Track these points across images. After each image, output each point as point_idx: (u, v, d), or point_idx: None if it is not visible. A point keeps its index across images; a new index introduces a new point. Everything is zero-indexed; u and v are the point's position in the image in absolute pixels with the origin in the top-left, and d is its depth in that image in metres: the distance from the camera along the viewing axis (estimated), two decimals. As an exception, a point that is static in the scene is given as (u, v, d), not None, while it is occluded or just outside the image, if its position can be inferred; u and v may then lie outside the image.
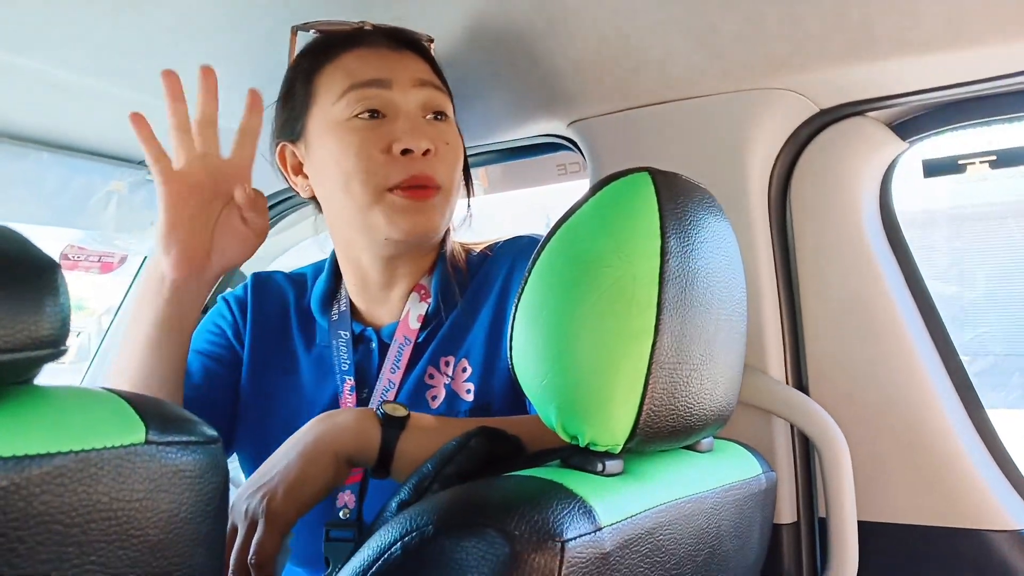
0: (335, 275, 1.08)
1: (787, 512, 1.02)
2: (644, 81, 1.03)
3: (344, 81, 0.94)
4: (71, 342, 0.47)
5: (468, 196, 1.06)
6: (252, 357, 1.07)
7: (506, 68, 1.09)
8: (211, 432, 0.50)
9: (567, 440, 0.66)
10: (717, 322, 0.69)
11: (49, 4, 0.91)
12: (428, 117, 0.96)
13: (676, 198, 0.66)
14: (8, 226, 0.46)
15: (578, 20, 0.99)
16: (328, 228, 1.04)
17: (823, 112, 1.00)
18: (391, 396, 0.97)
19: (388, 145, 0.92)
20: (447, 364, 0.98)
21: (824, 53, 0.91)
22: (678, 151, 1.05)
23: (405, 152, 0.92)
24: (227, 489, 0.51)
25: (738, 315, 0.73)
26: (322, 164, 0.96)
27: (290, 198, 1.60)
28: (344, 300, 1.05)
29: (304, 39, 1.02)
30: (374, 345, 1.02)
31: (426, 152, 0.92)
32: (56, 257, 1.26)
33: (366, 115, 0.93)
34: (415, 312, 1.00)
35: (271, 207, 1.62)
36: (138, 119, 0.93)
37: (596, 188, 0.68)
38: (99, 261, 1.60)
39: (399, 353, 0.99)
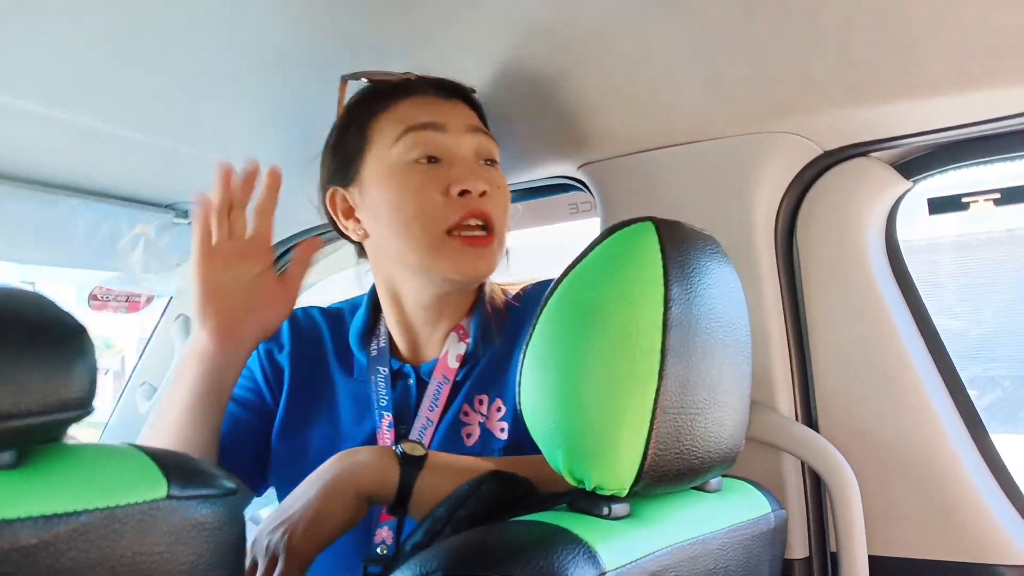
0: (374, 311, 1.10)
1: (799, 547, 1.02)
2: (652, 125, 1.05)
3: (400, 125, 0.98)
4: (100, 379, 0.50)
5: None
6: (290, 395, 1.09)
7: (519, 113, 1.12)
8: (230, 484, 0.52)
9: (574, 484, 0.68)
10: (721, 366, 0.70)
11: (79, 56, 0.95)
12: (481, 162, 1.00)
13: (679, 246, 0.68)
14: (39, 292, 0.49)
15: (588, 68, 1.02)
16: (373, 267, 1.07)
17: (827, 153, 1.02)
18: (429, 433, 0.99)
19: (446, 187, 0.95)
20: (480, 403, 1.00)
21: (828, 97, 0.92)
22: (686, 193, 1.07)
23: (463, 193, 0.95)
24: (244, 539, 0.53)
25: (742, 358, 0.74)
26: (379, 208, 0.99)
27: (324, 233, 1.63)
28: (383, 336, 1.07)
29: (352, 88, 1.06)
30: (412, 382, 1.04)
31: (483, 193, 0.96)
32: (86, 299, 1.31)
33: (424, 160, 0.97)
34: (454, 352, 1.02)
35: (293, 246, 1.66)
36: (203, 201, 0.97)
37: (601, 237, 0.70)
38: (127, 301, 1.64)
39: (438, 391, 1.01)
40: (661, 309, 0.65)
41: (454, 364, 1.02)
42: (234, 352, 0.96)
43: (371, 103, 1.02)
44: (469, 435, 0.99)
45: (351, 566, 0.93)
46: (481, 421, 0.99)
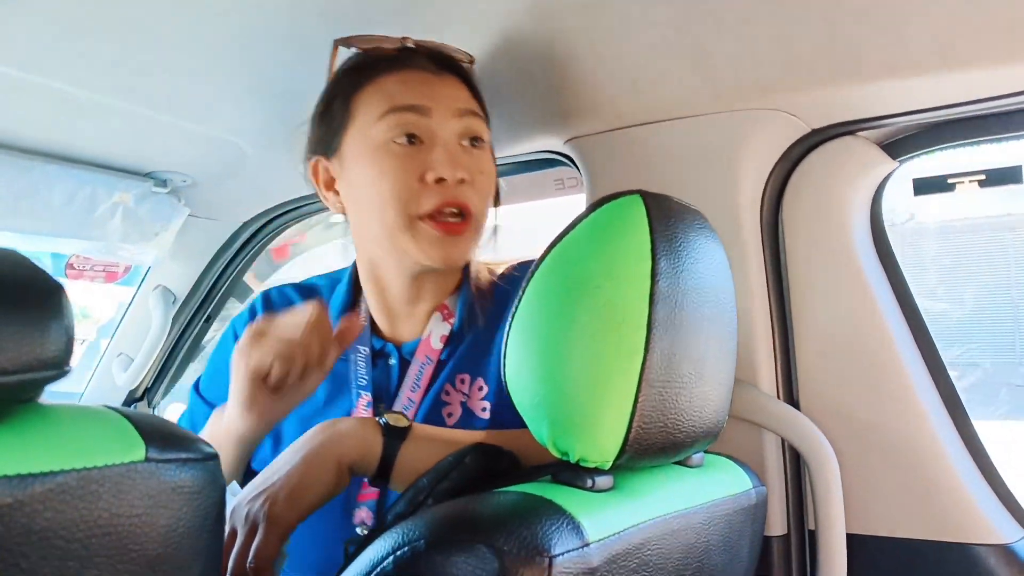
0: (354, 288, 1.08)
1: (778, 524, 1.03)
2: (638, 101, 1.04)
3: (384, 103, 0.95)
4: (76, 349, 0.49)
5: (495, 218, 1.07)
6: None
7: (505, 87, 1.11)
8: (209, 449, 0.52)
9: (558, 456, 0.68)
10: (707, 341, 0.70)
11: (57, 22, 0.93)
12: (464, 143, 0.97)
13: (667, 220, 0.68)
14: (13, 248, 0.48)
15: (574, 41, 1.01)
16: (355, 241, 1.05)
17: (814, 132, 1.02)
18: (410, 414, 0.98)
19: (423, 173, 0.93)
20: (463, 382, 0.99)
21: (814, 75, 0.92)
22: (672, 169, 1.07)
23: (439, 181, 0.93)
24: (224, 504, 0.53)
25: (728, 334, 0.74)
26: (356, 184, 0.97)
27: (292, 210, 1.62)
28: (364, 314, 1.06)
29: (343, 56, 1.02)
30: (393, 361, 1.03)
31: (461, 181, 0.94)
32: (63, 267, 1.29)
33: (404, 139, 0.94)
34: (438, 332, 1.01)
35: (277, 217, 1.65)
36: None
37: (589, 210, 0.69)
38: (104, 271, 1.62)
39: (420, 372, 1.00)
40: (648, 283, 0.64)
41: (438, 345, 1.01)
42: (265, 429, 0.92)
43: (359, 74, 0.98)
44: (450, 415, 0.98)
45: (331, 547, 0.92)
46: (463, 400, 0.98)
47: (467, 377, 0.99)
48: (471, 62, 1.05)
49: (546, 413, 0.66)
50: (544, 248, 0.70)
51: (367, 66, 0.98)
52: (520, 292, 0.70)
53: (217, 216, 1.62)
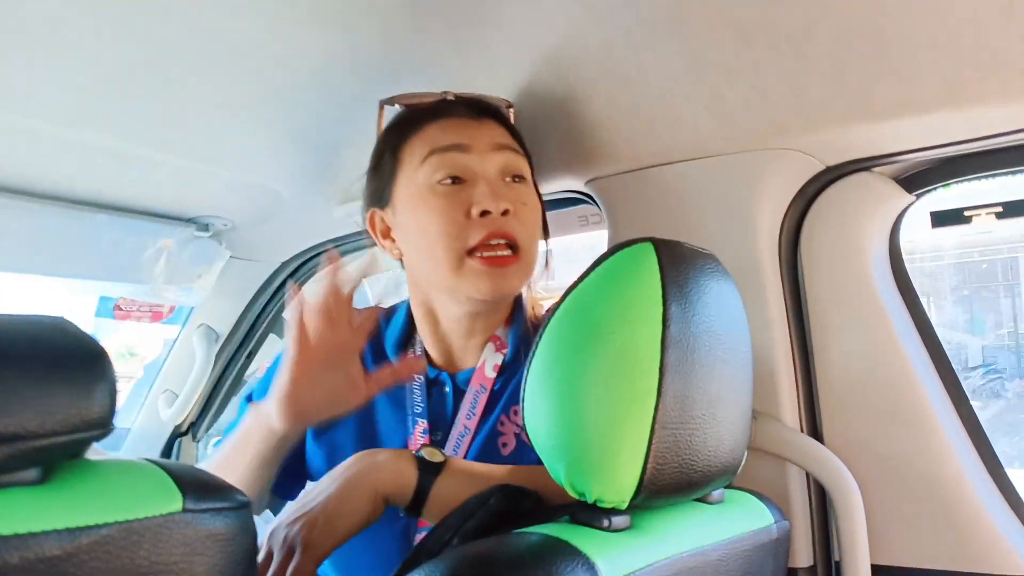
0: (409, 321, 1.12)
1: (803, 556, 1.03)
2: (654, 143, 1.07)
3: (426, 147, 0.99)
4: (123, 387, 0.53)
5: (547, 250, 1.11)
6: None
7: (528, 130, 1.14)
8: (242, 498, 0.55)
9: (575, 497, 0.70)
10: (720, 382, 0.72)
11: (103, 80, 0.99)
12: (507, 180, 1.01)
13: (678, 266, 0.70)
14: (62, 317, 0.52)
15: (593, 88, 1.04)
16: (408, 284, 1.09)
17: (829, 169, 1.03)
18: (467, 442, 1.01)
19: (468, 208, 0.96)
20: (516, 413, 1.01)
21: (826, 116, 0.94)
22: (690, 208, 1.09)
23: (484, 214, 0.96)
24: (255, 549, 0.56)
25: (742, 374, 0.76)
26: (407, 228, 1.02)
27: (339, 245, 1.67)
28: (419, 346, 1.09)
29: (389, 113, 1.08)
30: (448, 389, 1.06)
31: (505, 212, 0.97)
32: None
33: (448, 181, 0.98)
34: (491, 362, 1.04)
35: (315, 256, 1.70)
36: (299, 299, 0.93)
37: (602, 258, 0.72)
38: (150, 311, 1.69)
39: (475, 400, 1.03)
40: (660, 328, 0.67)
41: (491, 374, 1.03)
42: (302, 428, 0.96)
43: (403, 127, 1.04)
44: (504, 444, 1.01)
45: (390, 570, 0.96)
46: (516, 432, 1.01)
47: (520, 408, 1.01)
48: (509, 107, 1.09)
49: (563, 455, 0.69)
50: (561, 294, 0.73)
51: (411, 119, 1.04)
52: (538, 337, 0.72)
53: (257, 257, 1.68)
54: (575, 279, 0.73)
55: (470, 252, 0.97)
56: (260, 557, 0.83)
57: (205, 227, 1.51)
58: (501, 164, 1.01)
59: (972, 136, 0.92)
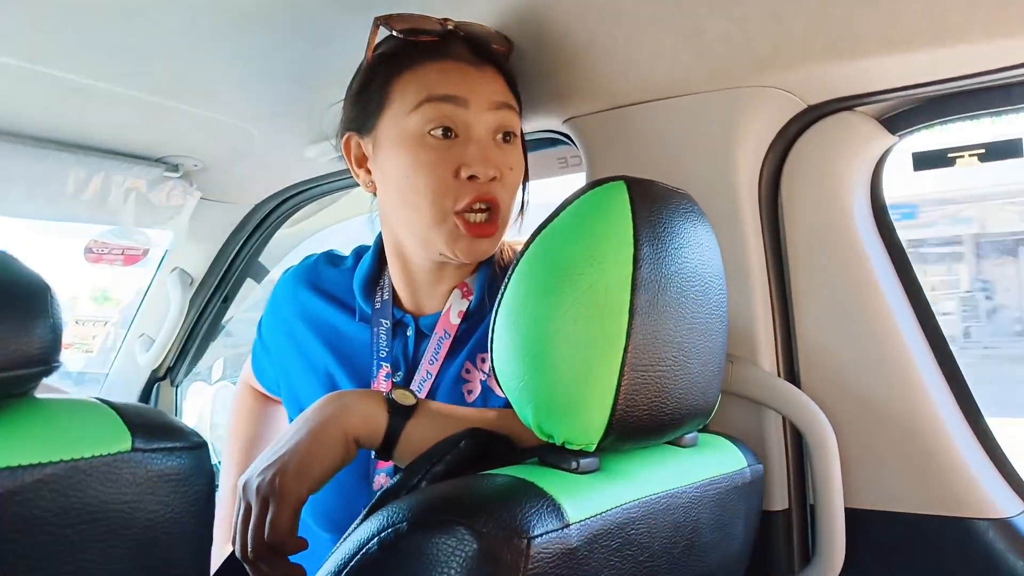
0: (379, 260, 1.11)
1: (779, 500, 1.04)
2: (632, 80, 1.04)
3: (422, 91, 0.96)
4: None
5: (523, 196, 1.10)
6: (296, 349, 1.13)
7: (503, 67, 1.11)
8: (197, 438, 0.54)
9: (543, 439, 0.69)
10: (691, 325, 0.71)
11: (62, 10, 0.95)
12: (498, 139, 0.99)
13: (651, 206, 0.68)
14: (3, 251, 0.50)
15: (569, 22, 1.01)
16: (381, 219, 1.08)
17: (811, 108, 1.01)
18: (428, 386, 1.01)
19: (457, 169, 0.95)
20: (483, 360, 1.01)
21: (808, 51, 0.91)
22: (669, 148, 1.07)
23: (472, 178, 0.95)
24: (212, 490, 0.55)
25: (716, 317, 0.75)
26: (389, 171, 0.99)
27: (304, 191, 1.65)
28: (387, 288, 1.09)
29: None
30: (410, 332, 1.06)
31: (493, 179, 0.96)
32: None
33: (439, 132, 0.95)
34: (456, 308, 1.03)
35: (289, 198, 1.67)
36: None
37: (573, 197, 0.70)
38: (123, 254, 1.66)
39: (438, 346, 1.02)
40: (630, 269, 0.65)
41: (456, 320, 1.03)
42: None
43: (398, 59, 0.99)
44: (470, 391, 1.00)
45: (352, 510, 0.95)
46: (482, 379, 1.00)
47: (487, 356, 1.01)
48: (510, 49, 1.06)
49: (531, 397, 0.68)
50: (530, 234, 0.71)
51: (406, 51, 0.99)
52: (506, 278, 0.71)
53: (229, 199, 1.65)
54: (545, 218, 0.71)
55: (455, 212, 0.96)
56: (237, 510, 0.82)
57: (175, 167, 1.47)
58: (496, 123, 0.98)
59: (958, 74, 0.90)
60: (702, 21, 0.93)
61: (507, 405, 0.96)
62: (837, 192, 1.01)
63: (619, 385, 0.65)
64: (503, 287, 0.71)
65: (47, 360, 0.47)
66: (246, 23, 1.05)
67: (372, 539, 0.60)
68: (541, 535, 0.58)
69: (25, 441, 0.46)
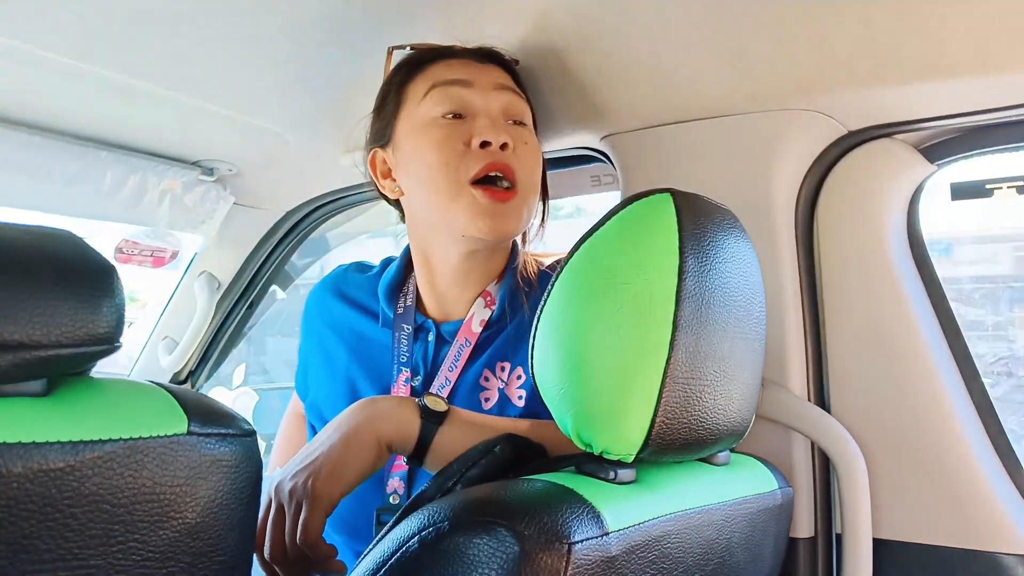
0: (406, 267, 1.13)
1: (804, 526, 1.03)
2: (674, 99, 1.05)
3: (428, 82, 1.01)
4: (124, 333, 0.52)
5: (544, 208, 1.12)
6: (323, 356, 1.15)
7: (543, 83, 1.12)
8: (248, 426, 0.54)
9: (582, 448, 0.69)
10: (733, 340, 0.71)
11: (111, 11, 0.97)
12: (508, 121, 1.02)
13: (696, 218, 0.69)
14: (71, 232, 0.51)
15: (612, 39, 1.02)
16: (408, 227, 1.10)
17: (851, 133, 1.01)
18: (446, 392, 1.01)
19: (469, 139, 0.97)
20: (503, 369, 1.02)
21: (851, 76, 0.92)
22: (707, 168, 1.08)
23: (484, 145, 0.97)
24: (260, 478, 0.55)
25: (756, 333, 0.75)
26: (408, 162, 1.02)
27: (335, 200, 1.66)
28: (411, 294, 1.10)
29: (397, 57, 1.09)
30: (431, 338, 1.06)
31: (504, 146, 0.97)
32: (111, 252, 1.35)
33: (449, 115, 0.99)
34: (479, 316, 1.04)
35: (320, 207, 1.69)
36: None
37: (619, 207, 0.71)
38: (152, 256, 1.67)
39: (459, 353, 1.03)
40: (675, 280, 0.65)
41: (477, 328, 1.04)
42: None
43: (409, 68, 1.05)
44: (487, 399, 1.01)
45: (364, 515, 0.96)
46: (500, 387, 1.01)
47: (507, 365, 1.01)
48: (515, 63, 1.09)
49: (571, 405, 0.68)
50: (574, 243, 0.72)
51: (416, 60, 1.05)
52: (550, 286, 0.71)
53: (261, 205, 1.66)
54: (590, 227, 0.71)
55: (470, 183, 0.97)
56: (268, 510, 0.82)
57: (210, 171, 1.48)
58: (503, 103, 1.02)
59: (998, 105, 0.90)
60: (746, 42, 0.94)
61: (524, 414, 0.97)
62: (873, 219, 1.01)
63: (660, 397, 0.65)
64: (546, 295, 0.71)
65: (111, 339, 0.48)
66: (288, 30, 1.07)
67: (413, 537, 0.60)
68: (582, 541, 0.58)
69: (86, 418, 0.47)
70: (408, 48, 1.06)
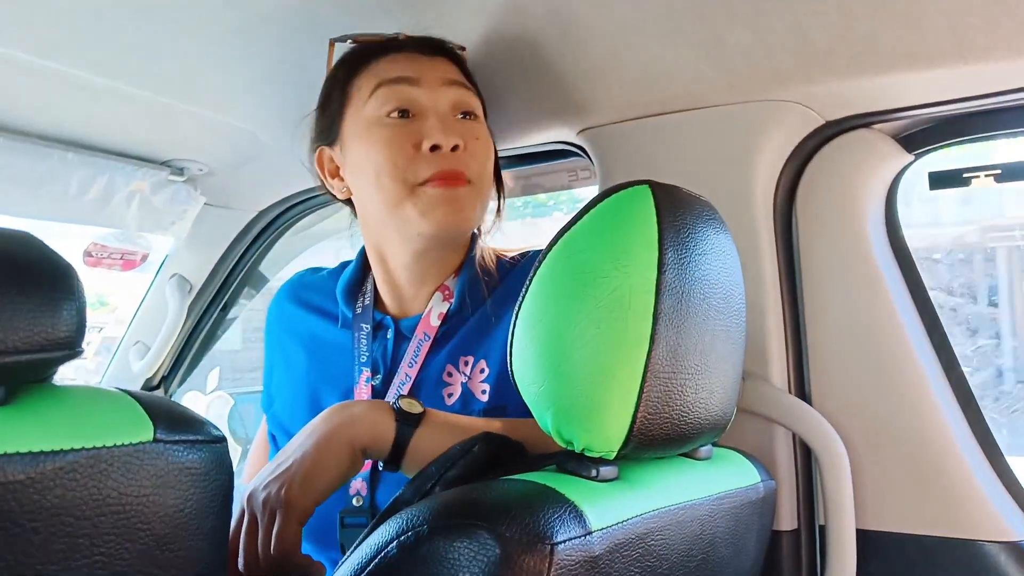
0: (363, 267, 1.11)
1: (787, 519, 1.03)
2: (652, 91, 1.04)
3: (374, 80, 0.98)
4: (93, 337, 0.50)
5: (500, 200, 1.10)
6: (285, 364, 1.13)
7: (518, 76, 1.11)
8: (217, 432, 0.53)
9: (562, 445, 0.68)
10: (713, 333, 0.70)
11: (75, 8, 0.94)
12: (458, 116, 0.99)
13: (675, 211, 0.68)
14: (28, 231, 0.49)
15: (588, 30, 1.01)
16: (362, 226, 1.08)
17: (829, 124, 1.01)
18: (406, 390, 1.00)
19: (418, 142, 0.95)
20: (466, 363, 1.00)
21: (830, 66, 0.92)
22: (685, 161, 1.07)
23: (434, 148, 0.94)
24: (231, 486, 0.53)
25: (736, 326, 0.74)
26: (356, 162, 1.00)
27: (308, 199, 1.64)
28: (369, 294, 1.09)
29: (340, 50, 1.07)
30: (390, 335, 1.05)
31: (455, 148, 0.95)
32: (79, 255, 1.31)
33: (396, 114, 0.96)
34: (437, 310, 1.03)
35: (293, 206, 1.66)
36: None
37: (597, 200, 0.69)
38: (121, 259, 1.63)
39: (418, 348, 1.02)
40: (655, 273, 0.64)
41: (436, 322, 1.02)
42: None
43: (353, 63, 1.02)
44: (450, 395, 0.99)
45: (326, 518, 0.94)
46: (463, 381, 0.99)
47: (471, 359, 1.00)
48: (462, 50, 1.07)
49: (551, 402, 0.67)
50: (552, 237, 0.70)
51: (360, 55, 1.02)
52: (527, 281, 0.70)
53: (233, 205, 1.63)
54: (567, 221, 0.70)
55: (420, 184, 0.95)
56: (241, 522, 0.80)
57: (180, 171, 1.46)
58: (452, 99, 0.99)
59: (979, 93, 0.91)
60: (724, 33, 0.93)
61: (487, 412, 0.96)
62: (852, 209, 1.01)
63: (641, 392, 0.64)
64: (524, 291, 0.70)
65: (72, 344, 0.46)
66: (260, 26, 1.05)
67: (391, 542, 0.59)
68: (564, 541, 0.57)
69: (47, 427, 0.45)
70: (350, 42, 1.03)
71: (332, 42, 1.04)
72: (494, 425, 0.86)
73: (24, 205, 1.31)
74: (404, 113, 0.97)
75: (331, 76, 1.05)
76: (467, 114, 1.00)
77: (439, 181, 0.95)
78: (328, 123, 1.04)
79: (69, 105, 1.19)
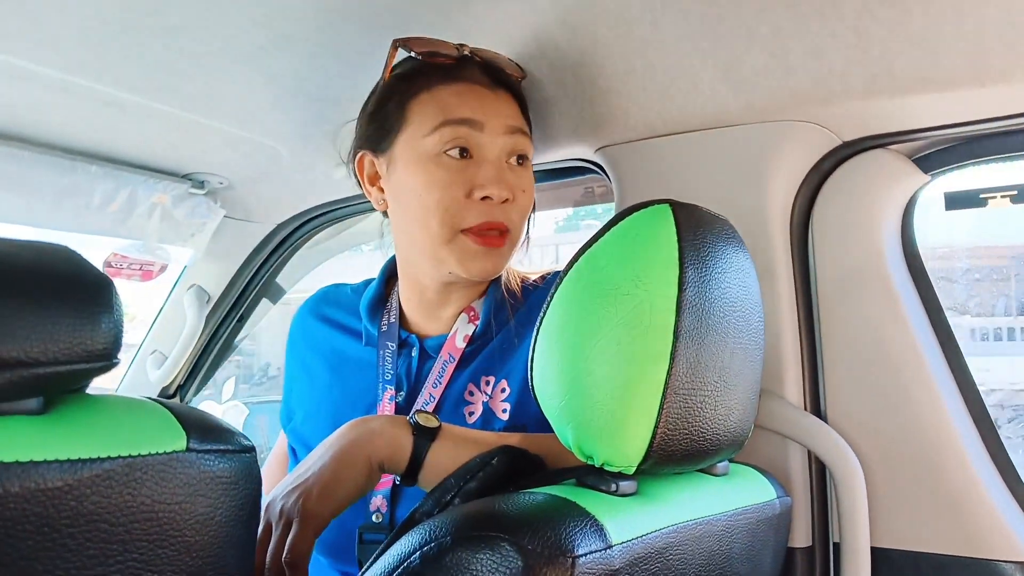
0: (386, 284, 1.12)
1: (802, 536, 1.03)
2: (669, 111, 1.05)
3: (439, 115, 0.97)
4: None
5: (526, 233, 1.10)
6: (308, 380, 1.14)
7: (537, 94, 1.12)
8: (247, 442, 0.54)
9: (583, 460, 0.69)
10: (732, 350, 0.71)
11: (103, 25, 0.96)
12: (511, 161, 1.01)
13: (695, 229, 0.69)
14: (68, 247, 0.50)
15: (607, 51, 1.02)
16: (394, 238, 1.09)
17: (845, 144, 1.02)
18: (430, 408, 1.01)
19: (470, 190, 0.96)
20: (487, 383, 1.01)
21: (846, 87, 0.92)
22: (702, 179, 1.08)
23: (485, 198, 0.96)
24: (259, 496, 0.54)
25: (754, 344, 0.75)
26: (403, 190, 1.00)
27: (325, 213, 1.65)
28: (394, 310, 1.09)
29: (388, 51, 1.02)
30: (415, 353, 1.06)
31: (505, 201, 0.97)
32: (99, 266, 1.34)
33: (455, 152, 0.97)
34: (462, 332, 1.04)
35: (310, 220, 1.68)
36: None
37: (617, 218, 0.70)
38: (140, 269, 1.66)
39: (443, 369, 1.03)
40: (675, 291, 0.65)
41: (461, 344, 1.03)
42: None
43: (415, 80, 1.01)
44: (471, 413, 1.00)
45: (346, 534, 0.95)
46: (485, 401, 1.00)
47: (492, 379, 1.01)
48: (523, 76, 1.08)
49: (571, 417, 0.68)
50: (573, 255, 0.71)
51: (423, 73, 1.01)
52: (548, 298, 0.71)
53: (252, 218, 1.65)
54: (588, 239, 0.71)
55: (464, 231, 0.97)
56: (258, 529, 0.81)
57: (200, 184, 1.48)
58: (511, 147, 1.00)
59: (992, 115, 0.91)
60: (742, 54, 0.94)
61: (508, 427, 0.97)
62: (868, 229, 1.01)
63: (661, 408, 0.65)
64: (544, 307, 0.71)
65: (109, 355, 0.47)
66: (283, 44, 1.06)
67: (414, 553, 0.59)
68: (585, 555, 0.57)
69: (84, 436, 0.46)
70: (412, 53, 1.00)
71: (394, 44, 1.01)
72: (511, 439, 0.87)
73: (48, 216, 1.34)
74: (464, 151, 0.98)
75: (388, 85, 1.03)
76: (520, 158, 1.02)
77: (480, 238, 0.97)
78: (379, 133, 1.03)
79: (95, 120, 1.21)
